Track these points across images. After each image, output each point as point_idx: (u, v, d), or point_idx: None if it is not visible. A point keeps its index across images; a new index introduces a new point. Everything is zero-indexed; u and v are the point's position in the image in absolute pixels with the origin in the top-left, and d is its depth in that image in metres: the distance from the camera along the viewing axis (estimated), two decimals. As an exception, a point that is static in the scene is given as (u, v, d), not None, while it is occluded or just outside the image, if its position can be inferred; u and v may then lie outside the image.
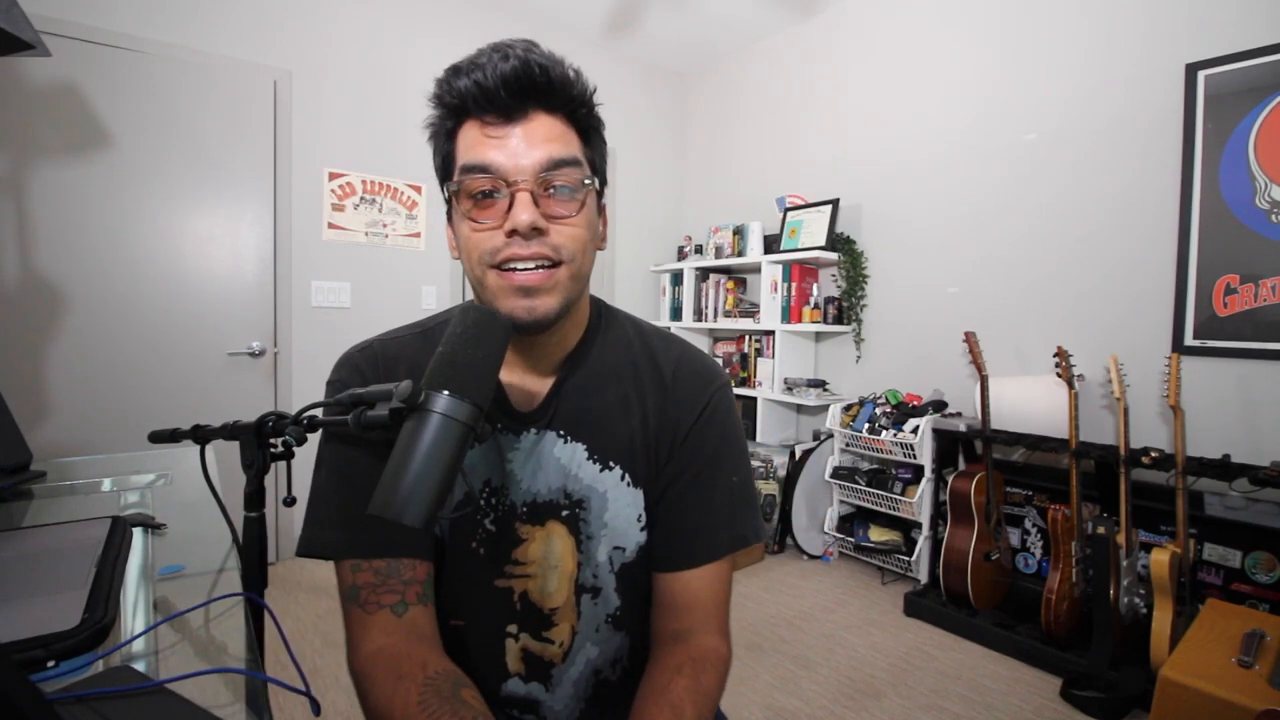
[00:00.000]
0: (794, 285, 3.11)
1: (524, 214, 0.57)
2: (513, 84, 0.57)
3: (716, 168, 3.95)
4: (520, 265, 0.59)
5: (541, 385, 0.70)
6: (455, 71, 0.59)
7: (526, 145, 0.58)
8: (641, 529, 0.71)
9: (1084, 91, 2.30)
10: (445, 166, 0.63)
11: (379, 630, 0.60)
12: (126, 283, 2.42)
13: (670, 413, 0.72)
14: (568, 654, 0.72)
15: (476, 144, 0.59)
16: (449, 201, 0.63)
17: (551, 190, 0.59)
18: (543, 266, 0.59)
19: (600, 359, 0.72)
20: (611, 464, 0.70)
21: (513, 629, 0.71)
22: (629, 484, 0.70)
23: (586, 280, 0.65)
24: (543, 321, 0.60)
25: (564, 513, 0.69)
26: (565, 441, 0.69)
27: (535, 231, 0.58)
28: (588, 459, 0.69)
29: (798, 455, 2.94)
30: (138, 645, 0.61)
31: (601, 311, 0.75)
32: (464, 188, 0.59)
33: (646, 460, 0.71)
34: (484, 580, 0.69)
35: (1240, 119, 1.95)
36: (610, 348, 0.73)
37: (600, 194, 0.67)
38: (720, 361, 3.01)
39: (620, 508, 0.70)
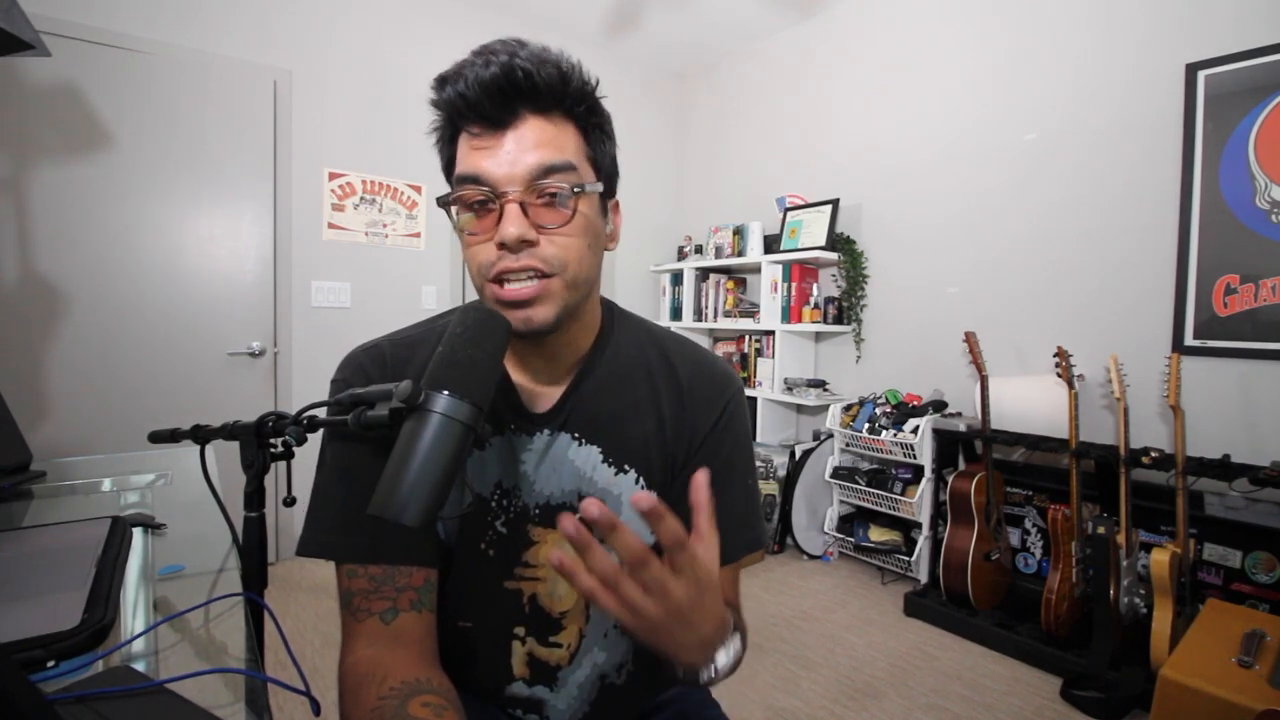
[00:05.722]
0: (794, 285, 3.11)
1: (511, 227, 0.55)
2: (495, 92, 0.55)
3: (716, 168, 3.95)
4: (512, 278, 0.58)
5: (555, 387, 0.69)
6: (441, 81, 0.58)
7: (517, 152, 0.56)
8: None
9: (1084, 91, 2.30)
10: (448, 171, 0.62)
11: (364, 640, 0.60)
12: (126, 283, 2.42)
13: (687, 418, 0.71)
14: (574, 656, 0.72)
15: (467, 154, 0.58)
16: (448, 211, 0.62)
17: (543, 199, 0.57)
18: (534, 278, 0.58)
19: (614, 362, 0.71)
20: (627, 467, 0.70)
21: (520, 631, 0.70)
22: (643, 487, 0.70)
23: (587, 285, 0.63)
24: (540, 331, 0.60)
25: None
26: (580, 444, 0.69)
27: (524, 244, 0.57)
28: (602, 462, 0.69)
29: (798, 455, 2.94)
30: (138, 645, 0.61)
31: (614, 314, 0.75)
32: (458, 199, 0.58)
33: (662, 464, 0.71)
34: (493, 581, 0.69)
35: (1240, 119, 1.95)
36: (624, 351, 0.72)
37: (610, 192, 0.66)
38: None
39: (634, 511, 0.70)
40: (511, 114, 0.56)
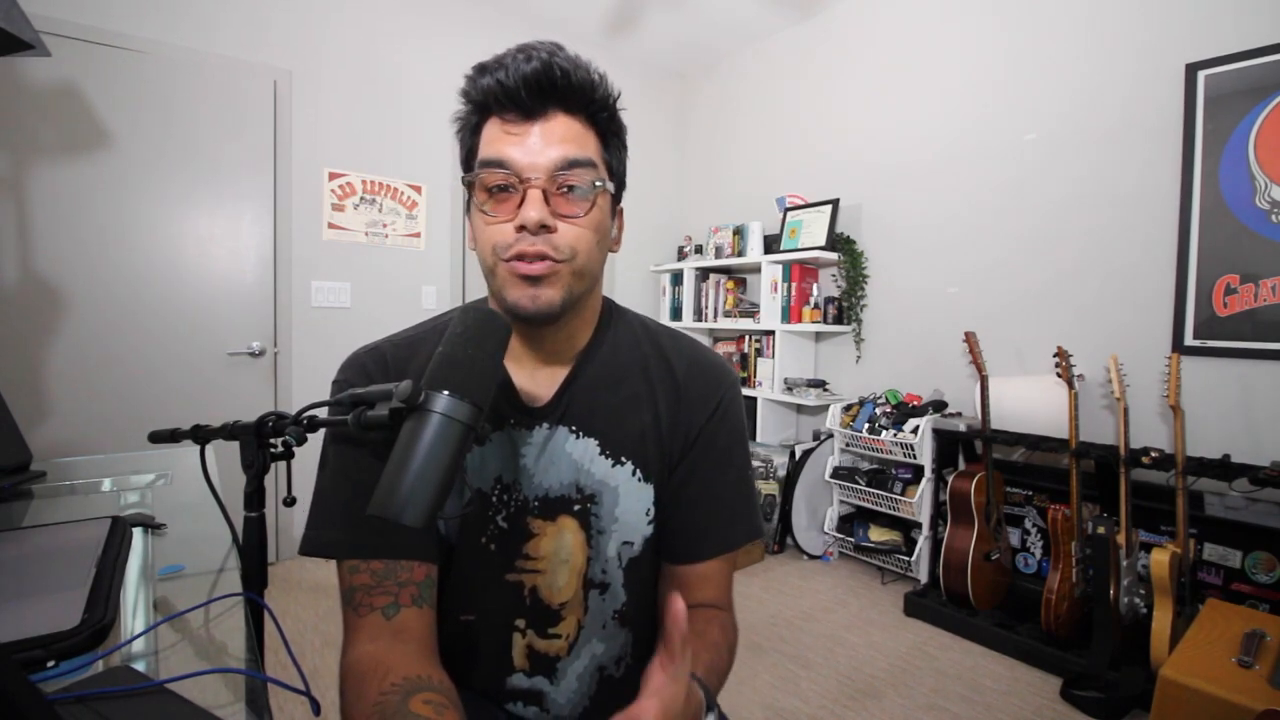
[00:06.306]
0: (794, 285, 3.11)
1: (533, 211, 0.58)
2: (533, 84, 0.58)
3: (716, 168, 3.95)
4: (525, 259, 0.61)
5: (553, 382, 0.71)
6: (481, 70, 0.61)
7: (543, 143, 0.59)
8: (649, 523, 0.72)
9: (1084, 92, 2.30)
10: (468, 159, 0.65)
11: (366, 635, 0.61)
12: (126, 283, 2.41)
13: (683, 413, 0.73)
14: (572, 647, 0.73)
15: (496, 139, 0.61)
16: (469, 192, 0.65)
17: (563, 190, 0.61)
18: (545, 260, 0.61)
19: (611, 356, 0.73)
20: (623, 459, 0.71)
21: (520, 623, 0.71)
22: (640, 479, 0.71)
23: (593, 279, 0.66)
24: (545, 311, 0.62)
25: (575, 507, 0.70)
26: (577, 437, 0.70)
27: (542, 229, 0.59)
28: (600, 454, 0.70)
29: (798, 455, 2.94)
30: (138, 645, 0.61)
31: (612, 311, 0.76)
32: (480, 181, 0.61)
33: (658, 456, 0.72)
34: (494, 575, 0.70)
35: (1240, 119, 1.95)
36: (620, 346, 0.74)
37: (617, 198, 0.69)
38: (720, 361, 3.01)
39: (631, 502, 0.71)
40: (542, 108, 0.60)
